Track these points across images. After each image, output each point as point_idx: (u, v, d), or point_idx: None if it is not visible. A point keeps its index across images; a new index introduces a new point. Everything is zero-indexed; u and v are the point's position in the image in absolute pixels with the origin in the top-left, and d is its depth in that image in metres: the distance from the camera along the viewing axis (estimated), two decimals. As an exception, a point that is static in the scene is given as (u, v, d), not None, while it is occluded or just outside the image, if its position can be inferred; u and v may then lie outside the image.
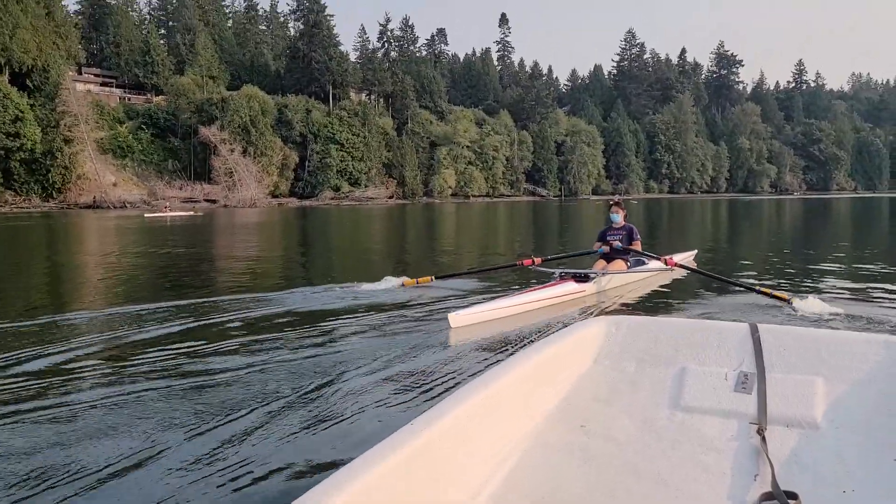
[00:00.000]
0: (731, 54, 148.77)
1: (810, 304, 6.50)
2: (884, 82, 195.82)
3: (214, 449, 3.09)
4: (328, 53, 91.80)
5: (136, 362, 4.79)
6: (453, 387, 3.96)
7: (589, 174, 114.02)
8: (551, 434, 2.23)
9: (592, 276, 7.47)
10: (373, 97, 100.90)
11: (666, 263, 7.92)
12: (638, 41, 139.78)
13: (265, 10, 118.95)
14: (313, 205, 76.62)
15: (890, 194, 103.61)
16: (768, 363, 2.37)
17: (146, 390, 4.06)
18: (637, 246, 8.17)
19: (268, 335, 5.68)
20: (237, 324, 6.23)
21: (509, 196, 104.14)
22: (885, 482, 1.86)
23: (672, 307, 7.14)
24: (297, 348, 5.19)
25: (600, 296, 7.41)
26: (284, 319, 6.41)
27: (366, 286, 8.13)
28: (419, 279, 8.26)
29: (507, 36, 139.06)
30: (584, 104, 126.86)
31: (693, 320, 3.05)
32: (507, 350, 5.06)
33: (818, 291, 7.61)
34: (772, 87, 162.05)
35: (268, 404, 3.74)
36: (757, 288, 7.39)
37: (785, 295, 6.86)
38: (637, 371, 2.53)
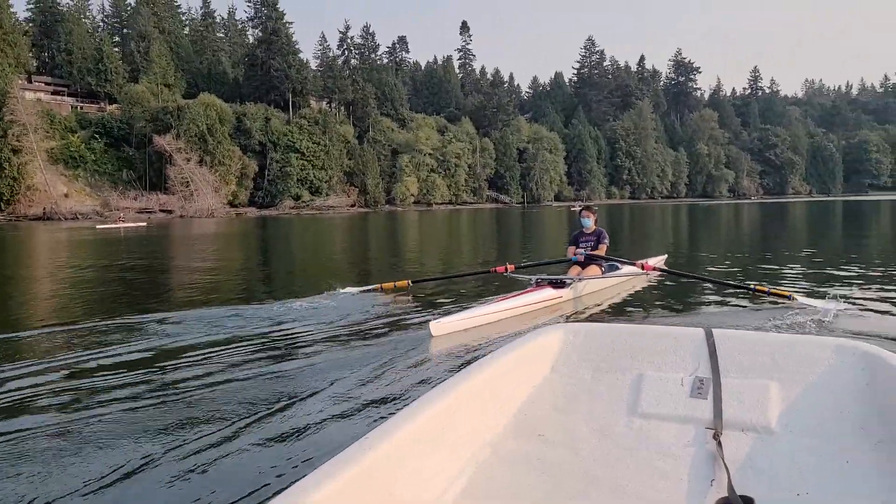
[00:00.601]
0: (689, 61, 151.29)
1: (814, 300, 6.59)
2: (835, 88, 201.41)
3: (177, 472, 2.95)
4: (287, 61, 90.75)
5: (89, 383, 4.50)
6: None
7: (551, 181, 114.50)
8: (509, 444, 2.21)
9: (568, 281, 7.51)
10: (333, 105, 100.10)
11: (643, 268, 7.99)
12: (598, 48, 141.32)
13: (223, 18, 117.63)
14: (273, 214, 75.57)
15: (843, 198, 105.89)
16: (723, 368, 2.38)
17: (101, 413, 3.81)
18: (603, 249, 8.11)
19: (232, 351, 5.39)
20: (198, 340, 5.89)
21: (472, 203, 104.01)
22: (837, 485, 1.89)
23: (649, 311, 7.16)
24: (265, 363, 4.95)
25: (577, 301, 7.48)
26: (249, 333, 6.10)
27: (342, 292, 8.15)
28: (396, 283, 8.35)
29: (468, 43, 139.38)
30: (546, 111, 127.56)
31: (649, 326, 2.95)
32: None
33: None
34: (728, 94, 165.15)
35: (233, 423, 3.56)
36: (753, 286, 7.25)
37: (785, 291, 6.92)
38: (594, 378, 2.53)
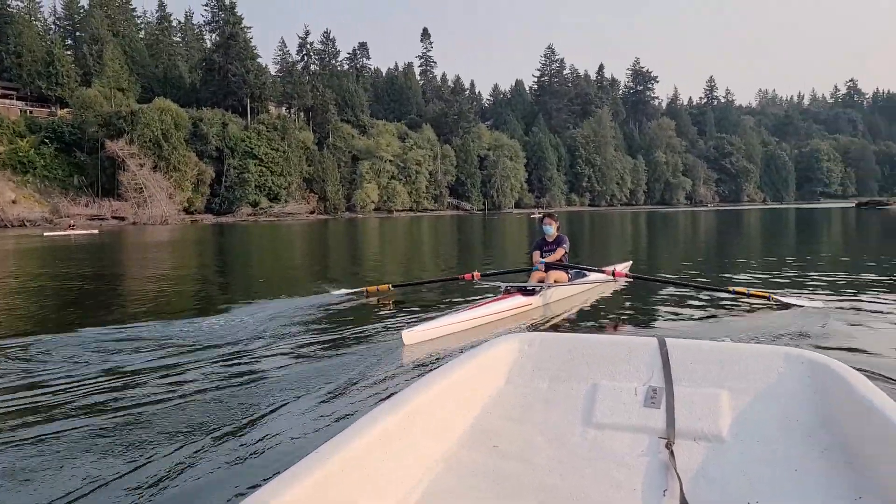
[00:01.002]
0: (647, 71, 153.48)
1: (791, 298, 7.06)
2: (788, 99, 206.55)
3: (132, 497, 2.79)
4: (245, 66, 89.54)
5: (34, 403, 4.21)
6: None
7: (512, 188, 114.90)
8: (464, 455, 2.19)
9: (538, 289, 7.54)
10: (293, 111, 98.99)
11: (613, 275, 8.08)
12: (558, 57, 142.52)
13: (180, 22, 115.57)
14: (230, 221, 74.21)
15: (796, 205, 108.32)
16: (676, 377, 2.40)
17: (50, 435, 3.55)
18: (560, 253, 8.09)
19: (190, 364, 5.13)
20: (153, 354, 5.57)
21: (433, 210, 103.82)
22: (787, 494, 1.92)
23: (617, 317, 7.26)
24: (227, 378, 4.71)
25: (546, 308, 7.49)
26: (208, 345, 5.82)
27: (334, 293, 8.55)
28: (379, 287, 8.76)
29: (429, 51, 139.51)
30: (507, 119, 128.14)
31: (604, 336, 2.88)
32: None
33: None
34: (685, 103, 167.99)
35: (192, 444, 3.36)
36: (731, 289, 7.63)
37: (763, 293, 7.32)
38: (550, 388, 2.53)
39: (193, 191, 79.33)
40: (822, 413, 2.21)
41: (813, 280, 9.87)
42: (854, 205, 77.57)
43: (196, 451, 3.25)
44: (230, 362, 5.22)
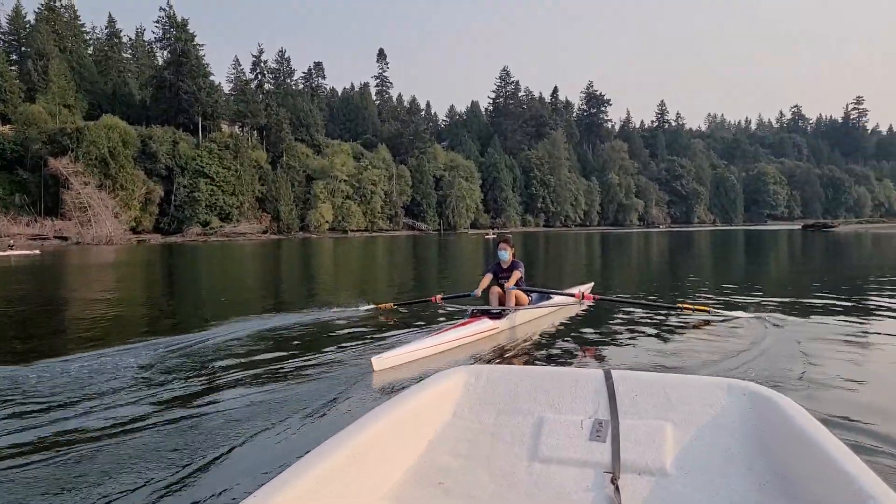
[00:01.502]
0: (600, 94, 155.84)
1: (729, 311, 7.79)
2: (736, 123, 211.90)
3: None
4: (197, 83, 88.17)
5: None
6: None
7: (467, 208, 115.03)
8: (409, 494, 2.17)
9: (505, 311, 7.54)
10: (246, 129, 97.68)
11: (583, 298, 8.13)
12: (513, 79, 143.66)
13: (130, 38, 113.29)
14: (178, 241, 72.39)
15: (745, 227, 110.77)
16: (621, 410, 2.41)
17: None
18: (516, 276, 7.96)
19: (136, 397, 4.79)
20: (96, 384, 5.20)
21: (388, 230, 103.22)
22: None
23: (581, 338, 7.26)
24: (179, 411, 4.40)
25: (513, 331, 7.48)
26: (158, 375, 5.51)
27: (363, 309, 8.93)
28: (381, 305, 9.23)
29: (385, 71, 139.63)
30: (462, 139, 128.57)
31: (551, 368, 2.88)
32: None
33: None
34: (637, 126, 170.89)
35: (137, 489, 3.09)
36: (678, 305, 8.08)
37: (704, 307, 7.81)
38: (496, 423, 2.51)
39: (141, 210, 77.52)
40: (762, 445, 2.22)
41: (767, 300, 10.05)
42: (800, 227, 79.48)
43: (152, 493, 3.05)
44: (184, 392, 4.91)
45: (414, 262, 27.21)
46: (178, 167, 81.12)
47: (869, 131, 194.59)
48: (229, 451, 3.60)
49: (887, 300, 9.87)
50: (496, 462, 2.30)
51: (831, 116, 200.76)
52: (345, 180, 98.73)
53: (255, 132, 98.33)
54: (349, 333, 7.52)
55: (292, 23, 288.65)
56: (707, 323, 7.61)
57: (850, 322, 7.78)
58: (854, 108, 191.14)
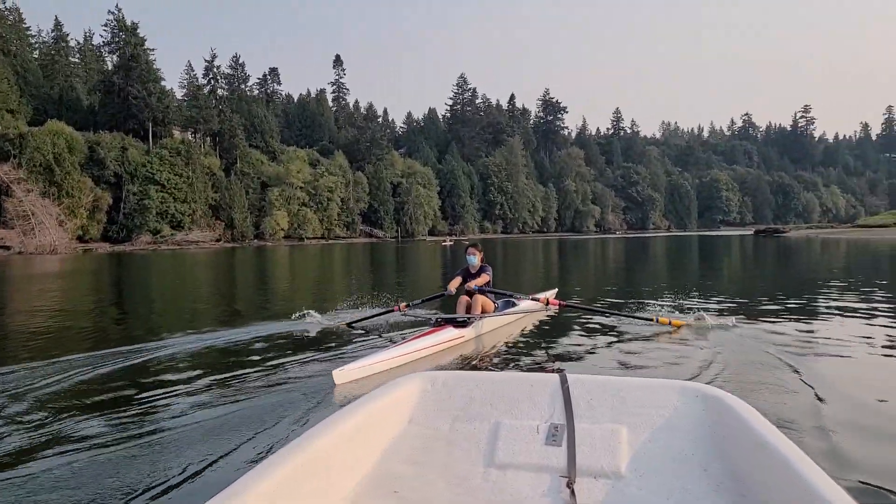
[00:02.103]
0: (556, 101, 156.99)
1: (708, 321, 7.68)
2: (689, 130, 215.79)
3: None
4: (147, 88, 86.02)
5: None
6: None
7: (425, 215, 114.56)
8: (364, 502, 2.15)
9: (470, 320, 7.41)
10: (198, 136, 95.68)
11: (548, 303, 7.97)
12: (470, 86, 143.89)
13: (78, 42, 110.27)
14: (127, 250, 70.38)
15: (699, 233, 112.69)
16: (577, 414, 2.41)
17: None
18: (485, 279, 7.95)
19: (78, 414, 4.47)
20: (33, 399, 4.89)
21: (345, 238, 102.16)
22: None
23: (549, 343, 7.19)
24: (123, 431, 4.08)
25: (479, 340, 7.36)
26: (101, 391, 5.19)
27: (295, 323, 8.37)
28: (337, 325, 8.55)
29: (341, 77, 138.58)
30: (420, 146, 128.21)
31: (507, 373, 2.99)
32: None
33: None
34: (594, 133, 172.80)
35: None
36: (656, 318, 7.76)
37: (681, 322, 7.64)
38: (452, 429, 2.50)
39: (89, 218, 75.23)
40: (716, 446, 2.23)
41: (722, 303, 10.30)
42: (752, 232, 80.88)
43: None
44: (131, 410, 4.60)
45: (371, 269, 26.56)
46: (127, 174, 79.01)
47: (816, 139, 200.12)
48: (181, 473, 3.34)
49: (844, 302, 10.30)
50: (452, 469, 2.28)
51: (780, 124, 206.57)
52: (301, 187, 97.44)
53: (208, 138, 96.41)
54: (308, 346, 7.25)
55: (248, 28, 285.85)
56: (678, 329, 7.59)
57: (810, 324, 8.09)
58: (802, 117, 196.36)
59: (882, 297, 11.18)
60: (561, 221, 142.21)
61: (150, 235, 78.62)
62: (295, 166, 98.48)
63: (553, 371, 2.68)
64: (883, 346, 6.57)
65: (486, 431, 2.42)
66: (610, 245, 52.46)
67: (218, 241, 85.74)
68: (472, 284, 7.77)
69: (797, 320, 8.43)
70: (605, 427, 2.34)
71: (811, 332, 7.50)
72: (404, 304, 8.29)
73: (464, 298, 7.81)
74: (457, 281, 8.00)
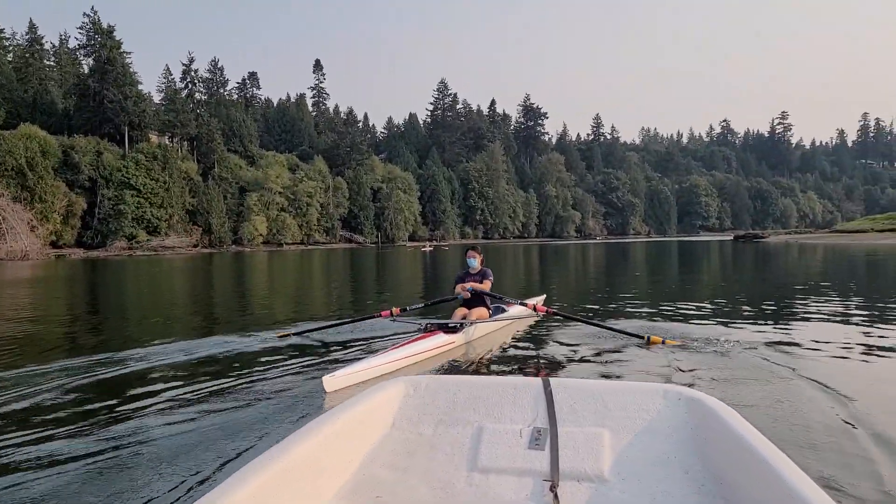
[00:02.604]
0: (537, 107, 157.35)
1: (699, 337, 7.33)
2: (669, 136, 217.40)
3: None
4: (123, 92, 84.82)
5: None
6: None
7: (405, 220, 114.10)
8: None
9: (460, 325, 7.31)
10: (176, 140, 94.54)
11: (535, 310, 7.91)
12: (451, 91, 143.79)
13: (54, 45, 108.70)
14: (101, 256, 69.13)
15: (678, 238, 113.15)
16: (560, 418, 2.41)
17: None
18: (487, 285, 7.98)
19: (49, 425, 4.26)
20: (8, 413, 4.65)
21: (325, 243, 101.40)
22: None
23: (539, 349, 7.08)
24: (96, 445, 3.82)
25: (470, 346, 7.29)
26: (88, 399, 5.02)
27: (249, 337, 7.95)
28: (293, 333, 8.19)
29: (321, 82, 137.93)
30: (400, 151, 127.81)
31: (490, 377, 2.84)
32: None
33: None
34: (574, 139, 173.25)
35: None
36: (648, 336, 7.25)
37: (678, 342, 7.14)
38: (435, 433, 2.49)
39: (62, 223, 73.87)
40: (698, 449, 2.25)
41: (702, 309, 10.26)
42: (732, 237, 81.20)
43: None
44: (107, 425, 4.30)
45: (351, 276, 26.10)
46: (102, 178, 77.79)
47: (793, 145, 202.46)
48: (157, 491, 3.13)
49: (831, 306, 10.43)
50: (435, 473, 2.26)
51: (758, 130, 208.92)
52: (280, 192, 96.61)
53: (185, 143, 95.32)
54: (293, 353, 7.03)
55: (227, 32, 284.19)
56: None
57: (797, 329, 8.12)
58: (779, 123, 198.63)
59: (867, 299, 11.30)
60: (541, 227, 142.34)
61: (125, 241, 77.38)
62: (274, 171, 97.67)
63: (536, 375, 2.68)
64: (881, 348, 6.72)
65: (469, 436, 2.41)
66: (590, 250, 52.32)
67: (195, 246, 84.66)
68: (469, 284, 7.81)
69: (785, 324, 8.51)
70: (587, 431, 2.33)
71: (798, 336, 7.51)
72: (398, 308, 8.20)
73: (461, 310, 7.80)
74: (459, 287, 8.01)
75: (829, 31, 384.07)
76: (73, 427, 4.26)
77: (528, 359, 6.56)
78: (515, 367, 6.20)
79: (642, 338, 7.30)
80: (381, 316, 8.23)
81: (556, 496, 2.01)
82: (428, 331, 7.10)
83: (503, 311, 8.46)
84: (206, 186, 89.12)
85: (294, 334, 8.20)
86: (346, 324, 8.66)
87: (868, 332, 7.70)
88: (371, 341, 7.65)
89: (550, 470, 2.16)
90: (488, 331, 7.93)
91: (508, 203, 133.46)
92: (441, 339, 6.90)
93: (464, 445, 2.38)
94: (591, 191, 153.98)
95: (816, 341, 7.09)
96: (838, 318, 8.96)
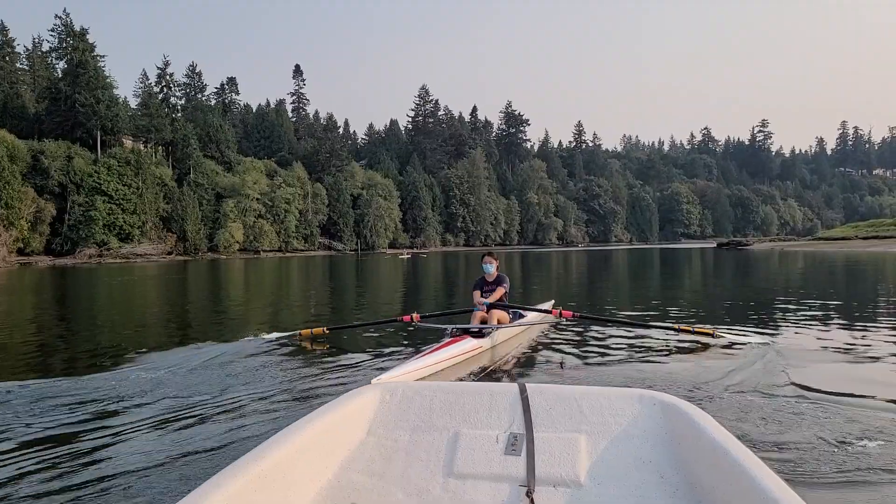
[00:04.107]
0: (519, 114, 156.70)
1: (735, 336, 7.40)
2: (650, 144, 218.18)
3: None
4: (96, 96, 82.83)
5: None
6: None
7: (386, 228, 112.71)
8: None
9: (486, 330, 7.35)
10: (150, 145, 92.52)
11: (561, 315, 7.88)
12: (432, 98, 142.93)
13: (27, 48, 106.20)
14: (70, 263, 66.99)
15: (660, 245, 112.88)
16: (536, 423, 2.42)
17: None
18: (501, 292, 7.92)
19: (22, 448, 3.90)
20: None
21: (304, 251, 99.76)
22: None
23: (563, 350, 7.18)
24: (86, 460, 3.61)
25: (496, 350, 7.30)
26: (49, 416, 4.62)
27: (265, 338, 8.10)
28: (313, 330, 8.39)
29: (301, 87, 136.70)
30: (381, 158, 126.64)
31: (466, 383, 2.96)
32: None
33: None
34: (556, 146, 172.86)
35: None
36: (678, 327, 7.71)
37: (709, 329, 7.42)
38: (411, 440, 2.48)
39: (30, 230, 71.69)
40: (673, 453, 2.25)
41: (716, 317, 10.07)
42: (715, 245, 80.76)
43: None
44: (77, 446, 3.93)
45: (330, 285, 24.66)
46: (72, 184, 75.79)
47: (774, 153, 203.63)
48: None
49: (821, 311, 10.53)
50: (411, 479, 2.26)
51: (739, 138, 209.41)
52: (257, 198, 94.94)
53: (160, 148, 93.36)
54: (287, 358, 6.93)
55: (205, 37, 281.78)
56: (706, 346, 7.17)
57: (797, 333, 8.17)
58: (760, 131, 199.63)
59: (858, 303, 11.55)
60: (523, 234, 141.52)
61: (95, 248, 75.34)
62: (251, 177, 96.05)
63: (513, 381, 2.65)
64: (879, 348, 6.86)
65: (446, 442, 2.40)
66: (573, 258, 51.28)
67: (170, 253, 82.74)
68: (482, 301, 7.75)
69: (777, 328, 8.62)
70: (563, 436, 2.34)
71: (795, 341, 7.57)
72: (417, 314, 8.21)
73: (479, 314, 7.72)
74: (476, 294, 8.00)
75: (807, 40, 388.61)
76: (37, 450, 3.87)
77: (550, 363, 6.57)
78: (550, 367, 6.29)
79: (672, 328, 7.80)
80: (401, 320, 8.28)
81: (532, 501, 2.03)
82: (455, 335, 7.04)
83: (522, 315, 8.44)
84: (181, 192, 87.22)
85: (328, 329, 8.49)
86: (371, 325, 9.20)
87: (865, 335, 7.77)
88: (403, 344, 7.97)
89: (527, 475, 2.16)
90: (511, 334, 8.03)
91: (490, 210, 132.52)
92: (470, 343, 6.89)
93: (440, 451, 2.36)
94: (573, 198, 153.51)
95: (823, 347, 7.11)
96: (852, 324, 8.83)
